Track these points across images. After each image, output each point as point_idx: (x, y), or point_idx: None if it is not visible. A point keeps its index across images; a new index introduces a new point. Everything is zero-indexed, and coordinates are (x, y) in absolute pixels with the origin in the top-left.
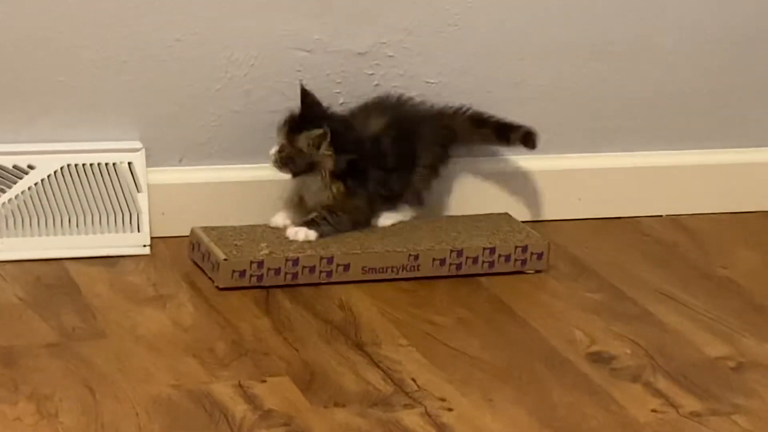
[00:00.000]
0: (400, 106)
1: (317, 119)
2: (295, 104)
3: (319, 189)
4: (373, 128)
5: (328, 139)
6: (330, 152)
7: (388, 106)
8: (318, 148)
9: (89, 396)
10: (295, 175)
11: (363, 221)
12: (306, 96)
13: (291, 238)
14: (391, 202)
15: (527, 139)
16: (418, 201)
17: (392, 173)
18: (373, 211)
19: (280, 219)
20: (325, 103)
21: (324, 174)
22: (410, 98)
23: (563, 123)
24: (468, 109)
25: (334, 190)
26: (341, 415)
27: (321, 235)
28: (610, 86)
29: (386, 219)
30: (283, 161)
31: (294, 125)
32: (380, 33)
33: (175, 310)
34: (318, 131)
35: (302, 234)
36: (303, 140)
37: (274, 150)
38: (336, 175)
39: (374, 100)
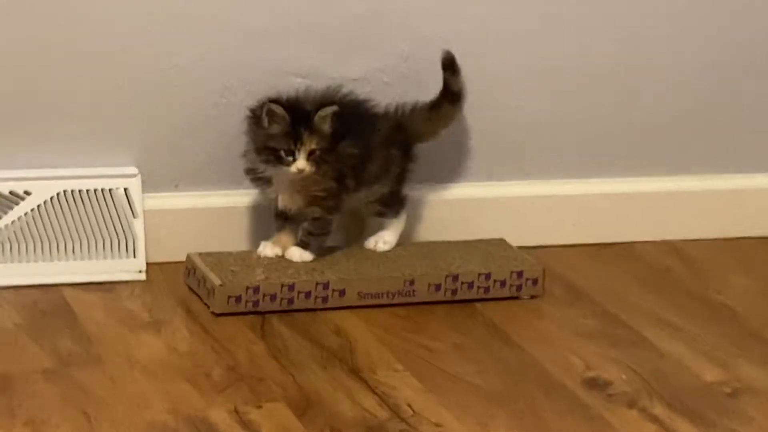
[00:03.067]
0: (349, 101)
1: (306, 105)
2: None
3: (291, 183)
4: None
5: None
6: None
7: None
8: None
9: (85, 421)
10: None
11: (335, 206)
12: (283, 103)
13: (293, 259)
14: (359, 184)
15: (446, 63)
16: (399, 204)
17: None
18: (345, 191)
19: (268, 249)
20: None
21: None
22: (352, 94)
23: (559, 148)
24: (413, 105)
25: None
26: None
27: (317, 254)
28: (606, 112)
29: (383, 244)
30: (322, 158)
31: (305, 124)
32: (375, 59)
33: (170, 336)
34: (331, 108)
35: (297, 255)
36: (321, 120)
37: (301, 161)
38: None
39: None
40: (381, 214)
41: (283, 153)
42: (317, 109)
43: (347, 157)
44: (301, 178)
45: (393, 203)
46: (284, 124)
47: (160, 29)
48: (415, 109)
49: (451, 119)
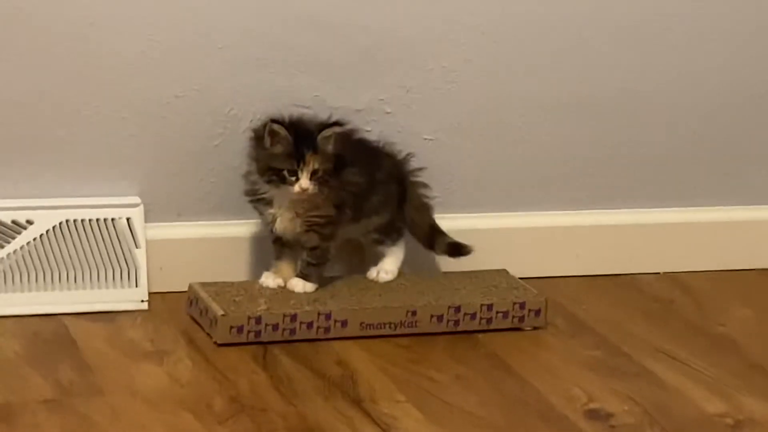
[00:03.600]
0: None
1: (309, 126)
2: None
3: (292, 205)
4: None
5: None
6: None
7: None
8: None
9: None
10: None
11: (330, 234)
12: (285, 124)
13: (290, 288)
14: (358, 214)
15: (453, 249)
16: (397, 233)
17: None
18: (342, 221)
19: (270, 280)
20: None
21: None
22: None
23: (561, 180)
24: (421, 183)
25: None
26: None
27: (318, 284)
28: (608, 143)
29: (385, 274)
30: (325, 179)
31: (308, 144)
32: (378, 90)
33: (172, 366)
34: (334, 128)
35: (300, 287)
36: (328, 144)
37: (305, 181)
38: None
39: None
40: (379, 243)
41: (286, 173)
42: (320, 130)
43: (350, 184)
44: (304, 199)
45: (391, 232)
46: (287, 144)
47: (162, 59)
48: (415, 189)
49: (415, 234)
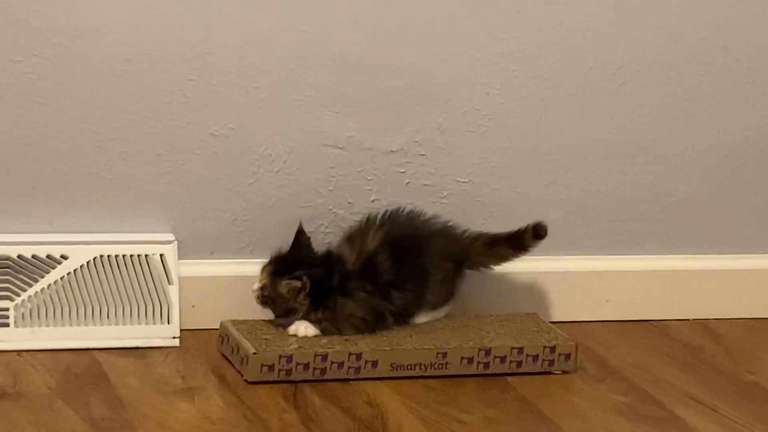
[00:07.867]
0: (406, 222)
1: (301, 264)
2: (326, 201)
3: None
4: (369, 246)
5: (307, 290)
6: (306, 302)
7: (394, 222)
8: (296, 297)
9: None
10: (276, 316)
11: (365, 328)
12: (300, 235)
13: (291, 333)
14: (405, 317)
15: (537, 231)
16: (451, 297)
17: (395, 288)
18: (382, 318)
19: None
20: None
21: (299, 317)
22: (420, 214)
23: (592, 224)
24: (477, 234)
25: (314, 320)
26: None
27: (322, 332)
28: (640, 189)
29: (423, 317)
30: (264, 301)
31: (278, 267)
32: (413, 131)
33: (203, 403)
34: (297, 284)
35: (302, 329)
36: (284, 287)
37: (256, 286)
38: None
39: (383, 216)
40: (433, 308)
41: None
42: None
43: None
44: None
45: (447, 299)
46: (273, 256)
47: (198, 97)
48: (475, 239)
49: (508, 260)
